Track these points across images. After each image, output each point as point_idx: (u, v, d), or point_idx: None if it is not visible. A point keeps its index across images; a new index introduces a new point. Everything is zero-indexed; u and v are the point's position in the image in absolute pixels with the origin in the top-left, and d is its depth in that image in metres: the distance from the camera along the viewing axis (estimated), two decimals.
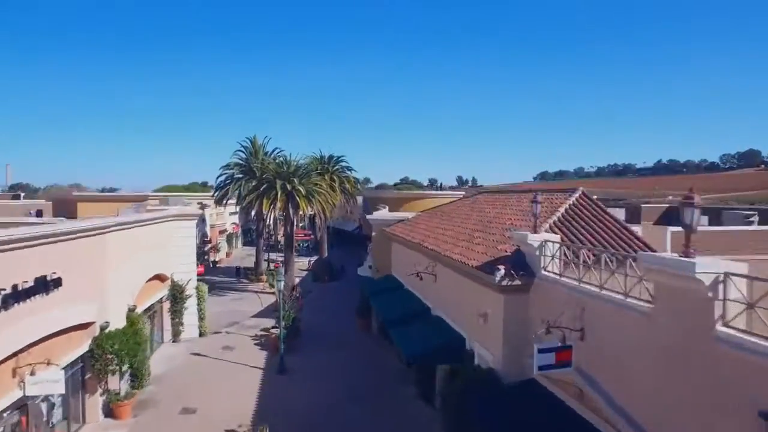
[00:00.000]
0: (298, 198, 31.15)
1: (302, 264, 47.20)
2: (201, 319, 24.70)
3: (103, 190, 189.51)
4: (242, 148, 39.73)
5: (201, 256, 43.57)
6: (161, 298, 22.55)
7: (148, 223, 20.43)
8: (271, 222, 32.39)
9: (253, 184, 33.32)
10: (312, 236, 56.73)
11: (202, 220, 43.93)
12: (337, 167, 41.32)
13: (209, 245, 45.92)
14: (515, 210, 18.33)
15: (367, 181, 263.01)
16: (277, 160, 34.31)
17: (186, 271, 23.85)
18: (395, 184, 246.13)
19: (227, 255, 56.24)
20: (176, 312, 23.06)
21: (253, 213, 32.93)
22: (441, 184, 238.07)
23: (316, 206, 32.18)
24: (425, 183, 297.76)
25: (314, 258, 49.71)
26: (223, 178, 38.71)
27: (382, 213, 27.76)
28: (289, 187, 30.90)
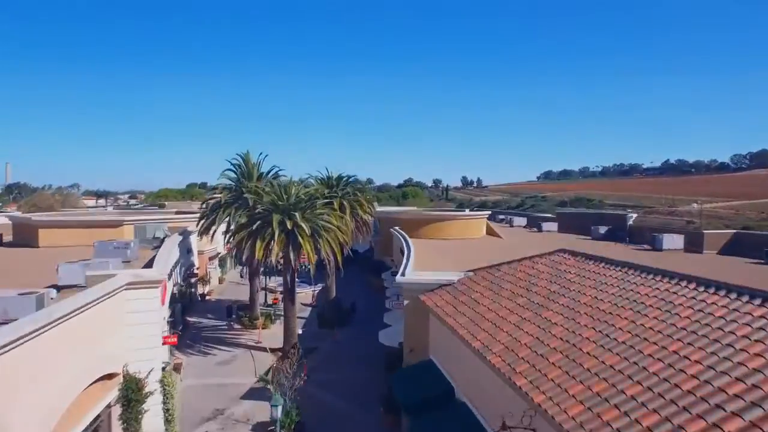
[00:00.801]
0: (300, 238, 24.49)
1: (304, 295, 40.70)
2: (168, 421, 18.03)
3: (96, 194, 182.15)
4: (232, 167, 33.08)
5: (186, 290, 36.99)
6: (109, 403, 15.94)
7: (80, 311, 13.72)
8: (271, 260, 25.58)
9: (245, 215, 26.60)
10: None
11: (187, 251, 37.25)
12: (347, 190, 34.64)
13: (196, 278, 39.22)
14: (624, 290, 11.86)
15: (369, 182, 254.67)
16: (274, 186, 27.45)
17: (147, 358, 17.17)
18: (399, 186, 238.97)
19: (219, 281, 49.56)
20: (130, 419, 16.39)
21: (243, 257, 26.05)
22: (447, 186, 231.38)
23: (324, 247, 25.49)
24: (429, 184, 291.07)
25: (319, 287, 43.28)
26: (211, 203, 32.00)
27: (417, 274, 20.72)
28: (289, 224, 24.21)
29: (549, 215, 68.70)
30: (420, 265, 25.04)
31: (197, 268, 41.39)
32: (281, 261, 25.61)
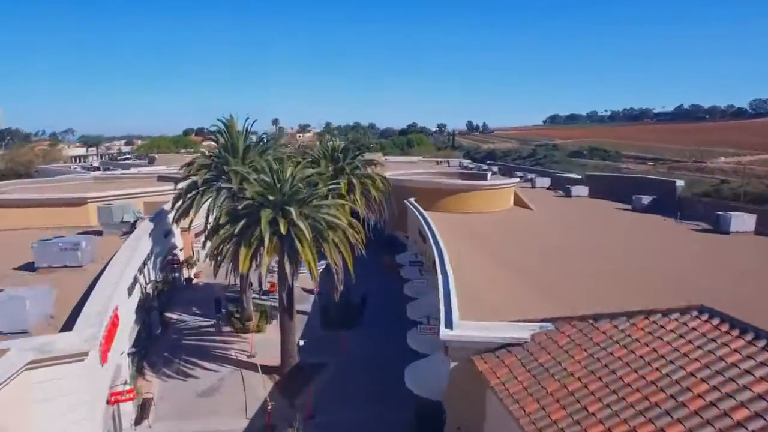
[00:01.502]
0: (298, 242, 18.53)
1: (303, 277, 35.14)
2: None
3: (87, 142, 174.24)
4: (213, 135, 26.66)
5: (166, 280, 31.48)
6: None
7: None
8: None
9: (226, 208, 20.46)
10: None
11: (165, 234, 31.38)
12: (355, 164, 28.23)
13: (178, 263, 33.60)
14: None
15: (371, 127, 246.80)
16: (263, 167, 21.06)
17: None
18: (402, 131, 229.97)
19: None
20: None
21: (225, 271, 19.90)
22: (453, 132, 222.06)
23: (330, 253, 19.50)
24: (433, 129, 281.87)
25: (322, 265, 37.60)
26: (185, 185, 25.79)
27: (469, 330, 14.29)
28: (282, 225, 18.16)
29: (574, 175, 62.05)
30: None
31: (181, 249, 35.71)
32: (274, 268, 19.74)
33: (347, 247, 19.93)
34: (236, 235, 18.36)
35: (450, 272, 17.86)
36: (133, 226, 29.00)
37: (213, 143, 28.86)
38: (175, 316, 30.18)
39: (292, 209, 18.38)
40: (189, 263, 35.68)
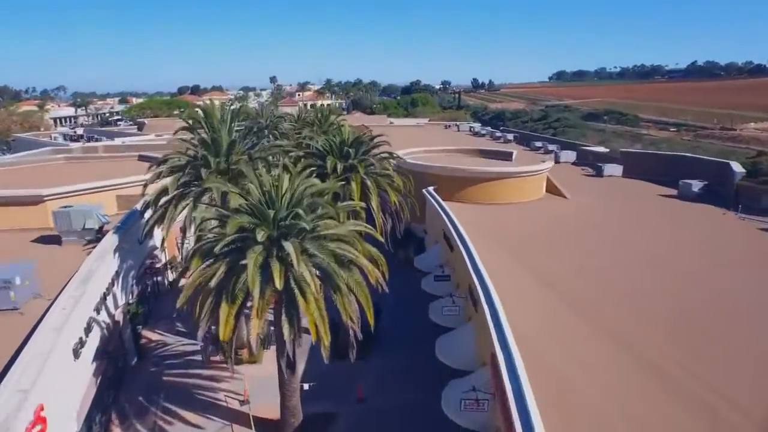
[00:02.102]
0: (300, 294, 13.55)
1: None
2: None
3: (76, 98, 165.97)
4: (189, 124, 21.30)
5: (148, 287, 26.79)
6: None
7: None
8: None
9: (206, 247, 15.32)
10: None
11: (139, 241, 26.33)
12: (369, 160, 22.72)
13: (158, 269, 28.78)
14: None
15: (373, 84, 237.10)
16: (252, 179, 15.74)
17: None
18: (406, 90, 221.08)
19: None
20: None
21: (201, 328, 14.78)
22: (459, 92, 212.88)
23: (344, 304, 14.48)
24: (437, 86, 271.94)
25: None
26: (152, 194, 20.54)
27: None
28: (277, 271, 13.10)
29: (601, 149, 56.23)
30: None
31: (164, 248, 30.78)
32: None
33: (366, 292, 14.91)
34: (213, 287, 13.34)
35: (514, 350, 12.79)
36: (99, 232, 23.99)
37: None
38: (155, 337, 25.58)
39: (290, 247, 13.24)
40: (172, 265, 30.81)
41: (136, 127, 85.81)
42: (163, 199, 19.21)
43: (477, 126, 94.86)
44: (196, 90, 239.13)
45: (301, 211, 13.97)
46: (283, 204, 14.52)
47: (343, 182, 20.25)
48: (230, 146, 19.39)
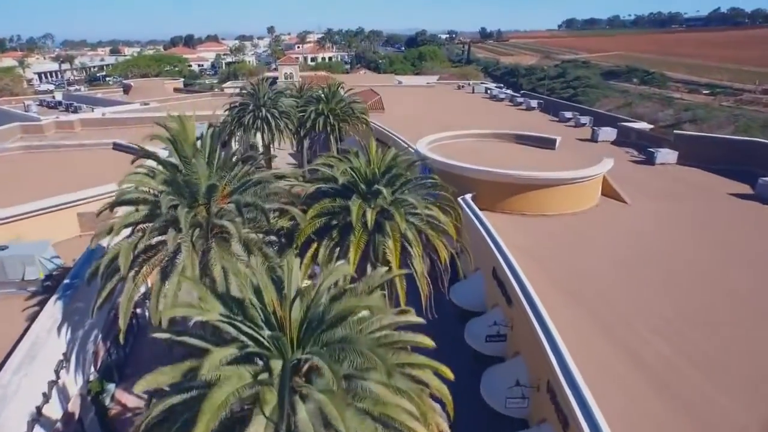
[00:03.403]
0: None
1: None
2: None
3: (61, 57, 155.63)
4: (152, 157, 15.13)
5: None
6: None
7: None
8: None
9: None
10: None
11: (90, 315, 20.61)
12: (405, 198, 16.31)
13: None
14: None
15: (375, 34, 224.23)
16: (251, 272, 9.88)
17: None
18: (411, 41, 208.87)
19: None
20: None
21: None
22: (469, 44, 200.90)
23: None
24: (443, 36, 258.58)
25: None
26: (113, 237, 14.56)
27: None
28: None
29: (644, 125, 49.33)
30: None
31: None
32: None
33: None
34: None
35: None
36: (47, 280, 18.29)
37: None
38: (131, 402, 20.37)
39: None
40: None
41: (122, 89, 78.33)
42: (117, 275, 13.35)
43: (493, 87, 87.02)
44: (189, 40, 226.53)
45: (322, 364, 8.20)
46: (295, 332, 8.75)
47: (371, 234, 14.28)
48: (210, 190, 13.37)
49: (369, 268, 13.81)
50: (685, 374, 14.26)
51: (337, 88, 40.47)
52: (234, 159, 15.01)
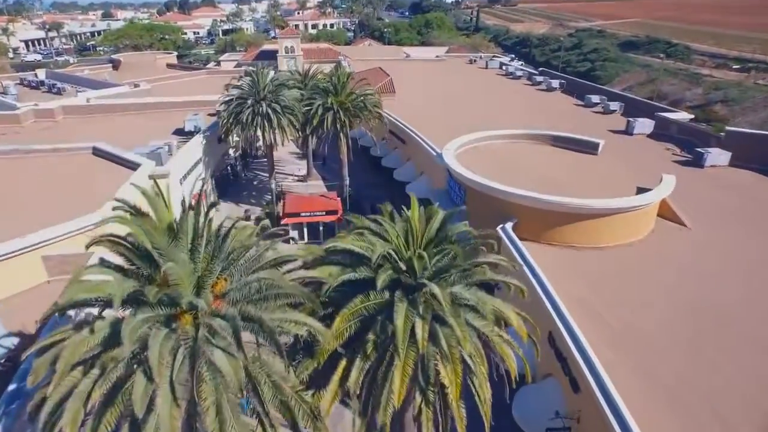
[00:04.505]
0: None
1: None
2: None
3: (45, 25, 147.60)
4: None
5: None
6: None
7: None
8: None
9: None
10: None
11: None
12: (462, 296, 12.17)
13: None
14: None
15: None
16: None
17: None
18: (414, 5, 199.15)
19: None
20: None
21: None
22: (478, 10, 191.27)
23: None
24: (449, 0, 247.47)
25: None
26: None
27: None
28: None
29: (683, 115, 44.44)
30: None
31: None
32: None
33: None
34: None
35: None
36: None
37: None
38: None
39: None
40: None
41: (111, 65, 72.90)
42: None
43: (508, 61, 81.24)
44: (184, 4, 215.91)
45: None
46: None
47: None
48: (198, 290, 9.33)
49: (418, 395, 10.07)
50: None
51: (347, 78, 35.71)
52: (228, 232, 10.90)
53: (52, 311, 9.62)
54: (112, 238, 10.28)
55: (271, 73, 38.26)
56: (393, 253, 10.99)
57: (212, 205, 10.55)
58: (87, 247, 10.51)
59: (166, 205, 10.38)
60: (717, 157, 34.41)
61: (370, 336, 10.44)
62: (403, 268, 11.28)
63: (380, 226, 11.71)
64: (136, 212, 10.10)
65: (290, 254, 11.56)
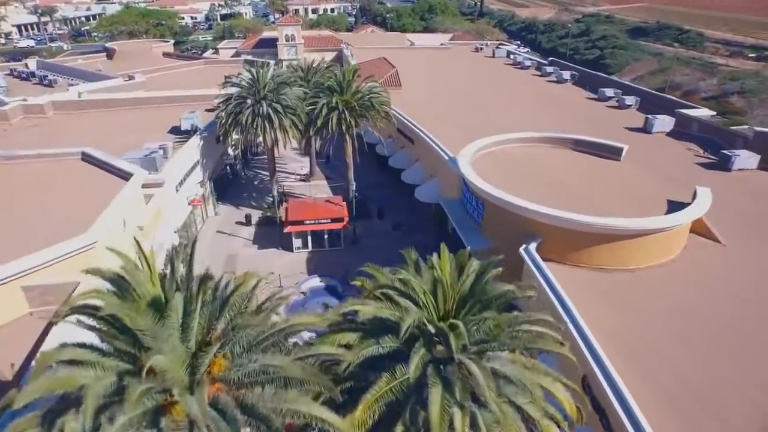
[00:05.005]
0: None
1: None
2: None
3: (38, 9, 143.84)
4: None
5: None
6: None
7: None
8: None
9: None
10: None
11: None
12: (506, 375, 10.55)
13: None
14: None
15: None
16: None
17: None
18: None
19: None
20: None
21: None
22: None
23: None
24: None
25: None
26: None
27: None
28: None
29: (705, 112, 42.24)
30: None
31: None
32: None
33: None
34: None
35: None
36: None
37: None
38: None
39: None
40: None
41: (105, 54, 70.33)
42: None
43: (515, 50, 78.50)
44: None
45: None
46: None
47: None
48: (192, 378, 7.63)
49: None
50: None
51: (352, 75, 33.55)
52: (225, 298, 9.10)
53: (8, 408, 7.89)
54: (89, 311, 8.48)
55: (272, 68, 36.00)
56: (425, 321, 9.24)
57: (206, 278, 8.71)
58: (63, 317, 8.71)
59: (150, 271, 8.57)
60: (745, 159, 32.47)
61: (399, 428, 8.73)
62: (433, 332, 9.52)
63: (405, 285, 9.92)
64: (117, 287, 8.30)
65: (301, 322, 9.76)
